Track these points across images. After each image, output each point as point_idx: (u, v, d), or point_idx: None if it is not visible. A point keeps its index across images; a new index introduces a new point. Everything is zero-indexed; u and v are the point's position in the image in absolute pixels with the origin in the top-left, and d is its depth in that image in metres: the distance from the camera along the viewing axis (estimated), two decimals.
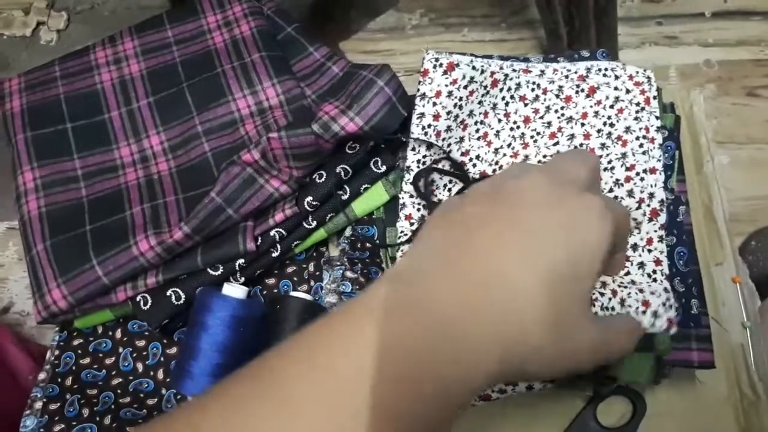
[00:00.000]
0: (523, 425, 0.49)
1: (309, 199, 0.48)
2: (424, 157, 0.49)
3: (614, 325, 0.32)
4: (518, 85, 0.49)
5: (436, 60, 0.48)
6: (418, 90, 0.48)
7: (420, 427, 0.24)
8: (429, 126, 0.48)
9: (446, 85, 0.48)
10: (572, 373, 0.29)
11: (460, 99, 0.48)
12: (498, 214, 0.28)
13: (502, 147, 0.49)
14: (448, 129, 0.48)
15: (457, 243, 0.27)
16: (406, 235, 0.48)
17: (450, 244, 0.27)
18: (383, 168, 0.50)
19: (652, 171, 0.46)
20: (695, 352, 0.43)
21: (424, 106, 0.48)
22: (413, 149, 0.48)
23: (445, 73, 0.47)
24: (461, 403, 0.25)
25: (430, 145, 0.48)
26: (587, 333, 0.28)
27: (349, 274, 0.49)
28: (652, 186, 0.45)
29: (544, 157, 0.48)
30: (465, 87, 0.48)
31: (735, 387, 0.48)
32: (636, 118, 0.47)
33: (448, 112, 0.48)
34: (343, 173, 0.48)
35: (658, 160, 0.47)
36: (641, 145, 0.47)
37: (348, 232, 0.51)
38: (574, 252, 0.27)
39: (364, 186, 0.50)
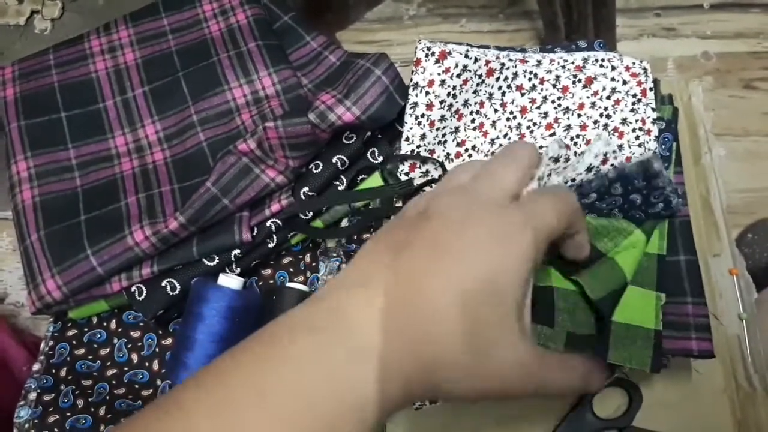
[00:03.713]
0: (520, 417, 0.49)
1: (305, 189, 0.47)
2: (418, 147, 0.48)
3: (560, 356, 0.32)
4: (515, 75, 0.49)
5: (428, 49, 0.47)
6: (411, 80, 0.48)
7: None
8: (422, 116, 0.48)
9: (439, 74, 0.47)
10: (502, 397, 0.29)
11: (454, 88, 0.48)
12: (420, 237, 0.28)
13: (498, 137, 0.49)
14: (443, 119, 0.48)
15: (383, 268, 0.28)
16: None
17: (375, 269, 0.28)
18: (380, 158, 0.50)
19: None
20: (694, 341, 0.43)
21: (417, 95, 0.47)
22: (407, 139, 0.48)
23: (437, 61, 0.47)
24: (378, 419, 0.26)
25: (424, 135, 0.48)
26: (514, 351, 0.28)
27: (345, 265, 0.48)
28: None
29: (540, 148, 0.48)
30: (458, 76, 0.48)
31: (731, 378, 0.48)
32: (632, 110, 0.47)
33: (442, 101, 0.47)
34: (339, 163, 0.48)
35: (654, 152, 0.47)
36: (637, 137, 0.47)
37: (344, 223, 0.51)
38: (493, 268, 0.27)
39: (360, 176, 0.50)
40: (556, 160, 0.37)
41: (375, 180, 0.50)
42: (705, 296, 0.44)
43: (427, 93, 0.47)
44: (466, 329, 0.27)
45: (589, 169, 0.39)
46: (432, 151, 0.49)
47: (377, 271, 0.28)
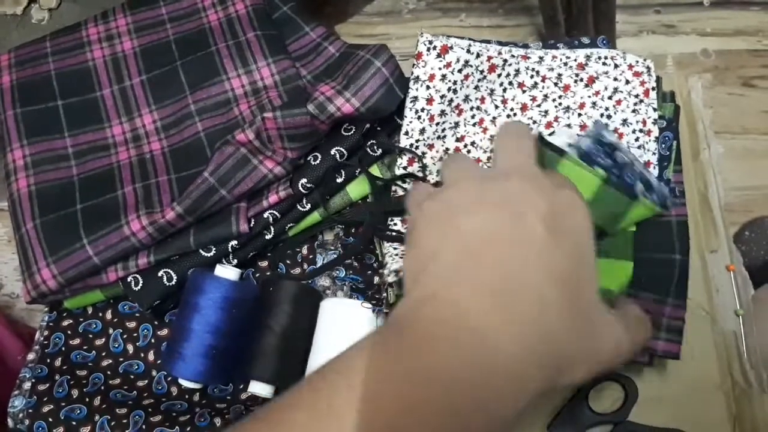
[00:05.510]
0: None
1: (303, 181, 0.47)
2: (417, 141, 0.48)
3: (630, 312, 0.33)
4: (517, 72, 0.49)
5: (430, 43, 0.47)
6: (412, 73, 0.48)
7: None
8: (422, 110, 0.47)
9: (440, 68, 0.47)
10: (599, 373, 0.28)
11: (455, 83, 0.47)
12: (500, 229, 0.27)
13: None
14: (443, 113, 0.48)
15: (468, 257, 0.27)
16: (396, 224, 0.48)
17: (461, 259, 0.27)
18: (379, 151, 0.50)
19: (647, 165, 0.46)
20: (661, 342, 0.43)
21: (417, 89, 0.47)
22: (406, 133, 0.48)
23: (438, 56, 0.47)
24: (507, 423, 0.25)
25: (423, 130, 0.48)
26: (607, 325, 0.28)
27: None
28: None
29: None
30: (459, 71, 0.47)
31: (727, 374, 0.48)
32: (634, 111, 0.47)
33: (442, 96, 0.47)
34: (338, 155, 0.48)
35: (654, 154, 0.47)
36: (637, 139, 0.47)
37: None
38: (574, 249, 0.27)
39: (359, 169, 0.49)
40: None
41: (374, 173, 0.50)
42: (686, 300, 0.44)
43: (428, 87, 0.47)
44: (571, 312, 0.26)
45: None
46: (431, 146, 0.49)
47: (465, 261, 0.27)
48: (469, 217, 0.28)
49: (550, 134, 0.47)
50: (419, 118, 0.48)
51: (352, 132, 0.48)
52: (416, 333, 0.25)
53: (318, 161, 0.48)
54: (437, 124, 0.48)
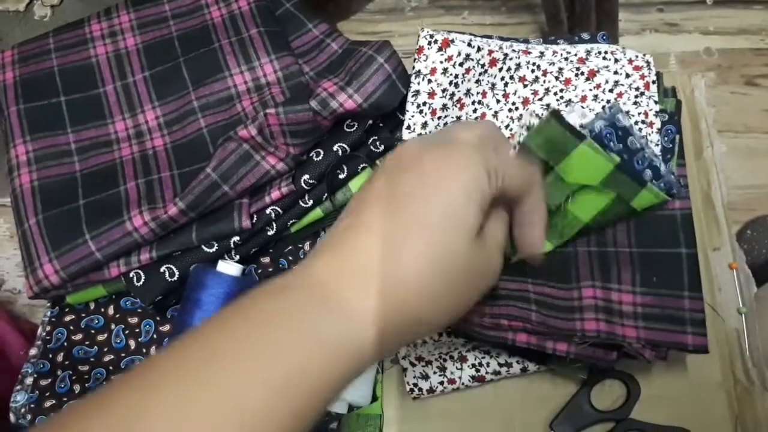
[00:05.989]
0: (517, 408, 0.49)
1: (306, 177, 0.47)
2: (420, 135, 0.48)
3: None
4: (518, 66, 0.49)
5: (431, 37, 0.47)
6: (414, 67, 0.47)
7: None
8: (424, 104, 0.47)
9: (441, 62, 0.47)
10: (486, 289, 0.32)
11: (456, 76, 0.47)
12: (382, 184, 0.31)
13: (499, 128, 0.49)
14: (444, 107, 0.48)
15: (349, 220, 0.30)
16: None
17: (342, 224, 0.31)
18: (381, 147, 0.50)
19: None
20: (690, 336, 0.43)
21: (419, 83, 0.47)
22: (408, 128, 0.48)
23: (440, 49, 0.47)
24: (355, 363, 0.27)
25: (425, 124, 0.48)
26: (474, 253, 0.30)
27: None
28: None
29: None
30: (461, 64, 0.47)
31: (729, 373, 0.48)
32: (635, 103, 0.47)
33: (444, 90, 0.47)
34: (340, 151, 0.48)
35: (657, 145, 0.47)
36: (639, 130, 0.47)
37: None
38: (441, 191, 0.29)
39: (361, 165, 0.49)
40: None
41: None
42: (702, 290, 0.44)
43: (430, 81, 0.47)
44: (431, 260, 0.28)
45: None
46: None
47: (344, 224, 0.30)
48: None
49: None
50: (421, 112, 0.48)
51: (354, 128, 0.48)
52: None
53: (320, 157, 0.48)
54: (439, 118, 0.48)
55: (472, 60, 0.48)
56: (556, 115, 0.38)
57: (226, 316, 0.27)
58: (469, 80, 0.48)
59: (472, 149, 0.31)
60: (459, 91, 0.48)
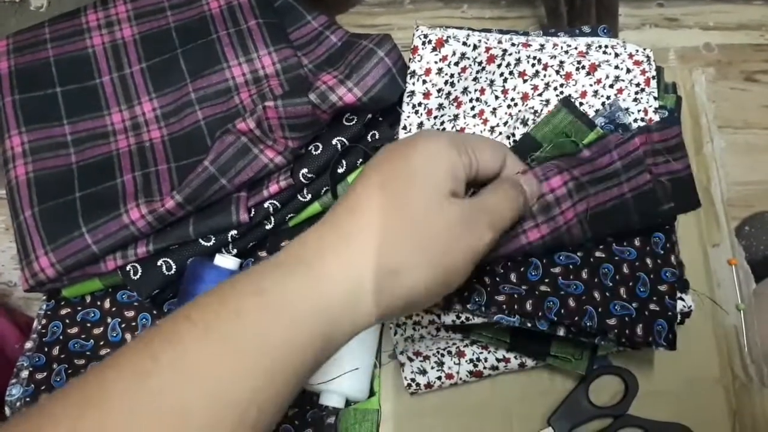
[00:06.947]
0: (515, 404, 0.48)
1: (304, 171, 0.47)
2: None
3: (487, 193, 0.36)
4: (518, 61, 0.49)
5: (425, 36, 0.46)
6: (409, 68, 0.47)
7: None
8: (419, 104, 0.47)
9: (435, 62, 0.46)
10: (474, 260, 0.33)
11: (451, 76, 0.47)
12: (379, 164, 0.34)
13: (498, 125, 0.49)
14: (440, 107, 0.47)
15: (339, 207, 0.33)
16: None
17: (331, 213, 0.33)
18: (380, 142, 0.49)
19: None
20: (624, 185, 0.42)
21: (414, 84, 0.47)
22: (404, 128, 0.47)
23: (434, 49, 0.46)
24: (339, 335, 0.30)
25: (421, 124, 0.47)
26: (446, 214, 0.32)
27: None
28: None
29: None
30: (456, 64, 0.47)
31: (727, 369, 0.48)
32: (635, 99, 0.47)
33: (439, 90, 0.47)
34: (339, 145, 0.47)
35: (619, 106, 0.46)
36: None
37: None
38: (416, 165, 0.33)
39: (360, 159, 0.49)
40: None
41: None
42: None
43: (424, 82, 0.47)
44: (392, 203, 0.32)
45: None
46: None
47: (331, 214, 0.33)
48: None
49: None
50: (416, 112, 0.47)
51: (353, 122, 0.48)
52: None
53: (319, 151, 0.47)
54: (435, 117, 0.48)
55: (468, 58, 0.47)
56: (567, 103, 0.38)
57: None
58: (465, 78, 0.48)
59: (445, 134, 0.37)
60: (455, 90, 0.48)
